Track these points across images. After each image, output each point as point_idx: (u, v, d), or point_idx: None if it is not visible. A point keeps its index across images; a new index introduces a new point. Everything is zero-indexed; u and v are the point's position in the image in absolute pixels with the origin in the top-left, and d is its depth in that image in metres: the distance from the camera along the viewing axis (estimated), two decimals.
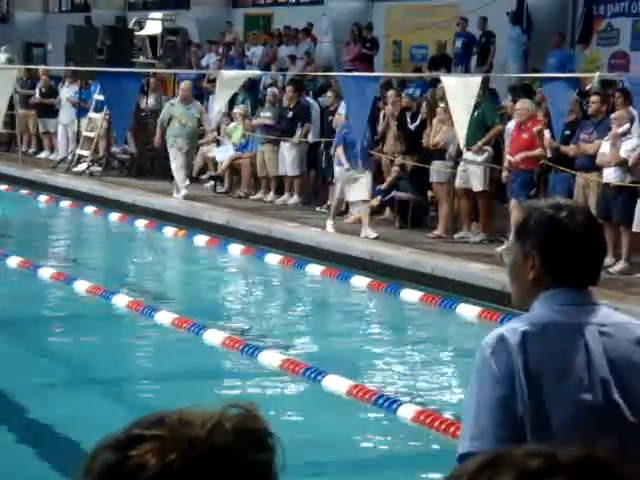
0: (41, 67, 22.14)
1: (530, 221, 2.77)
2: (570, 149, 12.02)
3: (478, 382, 2.66)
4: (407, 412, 7.21)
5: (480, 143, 13.08)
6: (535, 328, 2.67)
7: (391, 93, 14.90)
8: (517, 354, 2.63)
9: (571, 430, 2.61)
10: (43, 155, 21.31)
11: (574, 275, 2.74)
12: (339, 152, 13.60)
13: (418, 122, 14.40)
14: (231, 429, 1.33)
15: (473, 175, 13.14)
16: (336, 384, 7.84)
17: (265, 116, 16.65)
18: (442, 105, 14.07)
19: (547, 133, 12.23)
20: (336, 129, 14.28)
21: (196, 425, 1.32)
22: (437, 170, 13.59)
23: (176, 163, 16.26)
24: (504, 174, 12.80)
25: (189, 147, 16.33)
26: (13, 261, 11.87)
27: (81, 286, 10.79)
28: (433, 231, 13.52)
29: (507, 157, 12.76)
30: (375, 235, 13.07)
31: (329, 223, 13.51)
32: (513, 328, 2.68)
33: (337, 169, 13.75)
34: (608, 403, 2.66)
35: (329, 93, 15.90)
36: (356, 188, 13.42)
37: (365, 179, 13.45)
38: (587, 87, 13.41)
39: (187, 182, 16.26)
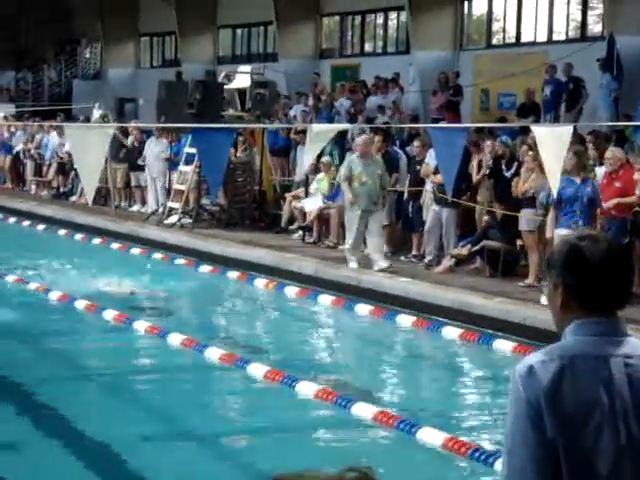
0: (133, 124, 22.55)
1: (555, 251, 2.90)
2: None
3: (511, 410, 2.79)
4: None
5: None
6: (563, 361, 2.77)
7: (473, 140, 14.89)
8: (545, 386, 2.73)
9: (597, 464, 2.72)
10: (135, 208, 21.68)
11: (598, 301, 2.82)
12: (550, 216, 11.99)
13: (514, 170, 14.25)
14: None
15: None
16: (431, 437, 7.76)
17: None
18: (530, 153, 13.96)
19: None
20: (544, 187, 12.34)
21: None
22: (526, 218, 13.46)
23: (353, 231, 14.31)
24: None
25: (371, 209, 14.27)
26: (109, 314, 12.06)
27: (175, 339, 10.90)
28: (524, 280, 13.36)
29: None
30: None
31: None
32: (542, 360, 2.78)
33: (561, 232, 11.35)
34: (630, 444, 2.74)
35: (416, 143, 15.89)
36: None
37: None
38: None
39: (357, 256, 14.34)
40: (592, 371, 2.77)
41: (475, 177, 14.90)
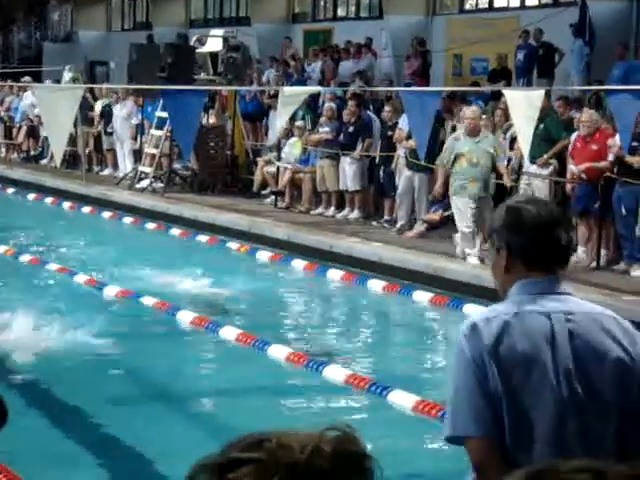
0: (104, 85, 22.38)
1: (495, 216, 3.00)
2: (636, 160, 11.79)
3: (456, 368, 2.86)
4: None
5: (546, 156, 12.96)
6: (506, 317, 2.84)
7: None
8: (488, 342, 2.80)
9: (540, 422, 2.79)
10: (107, 172, 21.54)
11: (538, 259, 2.90)
12: None
13: None
14: (330, 453, 1.32)
15: (537, 189, 12.99)
16: (401, 399, 7.81)
17: (324, 131, 16.69)
18: (484, 116, 14.02)
19: (617, 140, 11.97)
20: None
21: (295, 449, 1.31)
22: None
23: (463, 220, 12.43)
24: (569, 186, 12.68)
25: (483, 194, 12.39)
26: (80, 279, 12.03)
27: (147, 302, 10.89)
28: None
29: (571, 168, 12.61)
30: None
31: None
32: (486, 317, 2.87)
33: None
34: (572, 395, 2.81)
35: (387, 107, 15.87)
36: None
37: None
38: None
39: (476, 247, 12.27)
40: (535, 326, 2.84)
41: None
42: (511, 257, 2.92)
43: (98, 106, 21.67)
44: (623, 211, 11.86)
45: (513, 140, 13.31)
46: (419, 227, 14.44)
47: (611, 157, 12.12)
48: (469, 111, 12.73)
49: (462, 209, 12.48)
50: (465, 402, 2.79)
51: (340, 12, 26.86)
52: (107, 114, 21.28)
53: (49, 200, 18.95)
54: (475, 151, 12.35)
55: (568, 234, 3.00)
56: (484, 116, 14.15)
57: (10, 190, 20.36)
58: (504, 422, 2.78)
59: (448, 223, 14.47)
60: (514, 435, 2.79)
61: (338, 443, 1.34)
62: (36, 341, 9.27)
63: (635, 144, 11.74)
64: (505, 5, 22.14)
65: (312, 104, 18.31)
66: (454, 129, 15.03)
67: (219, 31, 21.48)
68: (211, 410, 8.00)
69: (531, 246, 2.91)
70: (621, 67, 17.11)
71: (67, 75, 24.02)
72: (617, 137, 11.92)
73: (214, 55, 19.65)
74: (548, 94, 12.93)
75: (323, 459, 1.31)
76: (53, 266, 12.71)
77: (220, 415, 7.79)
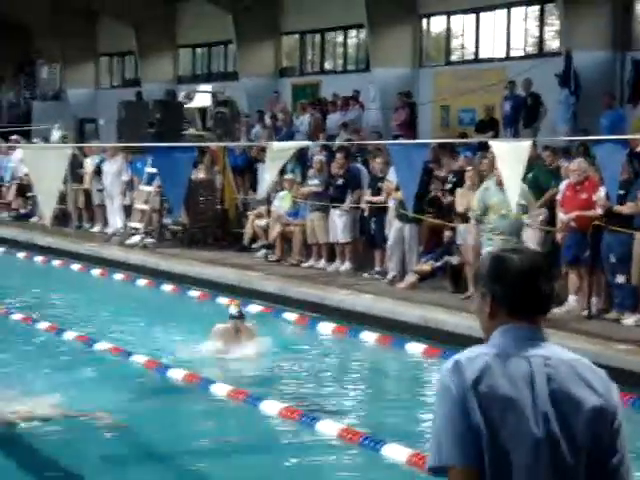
0: (93, 145, 22.42)
1: (481, 264, 3.12)
2: (626, 207, 11.79)
3: (439, 403, 2.94)
4: None
5: (537, 205, 12.99)
6: (487, 358, 2.95)
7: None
8: (470, 380, 2.90)
9: (517, 459, 2.87)
10: (97, 229, 21.53)
11: (520, 307, 3.02)
12: None
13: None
14: None
15: (528, 238, 12.99)
16: (395, 453, 7.75)
17: (313, 184, 16.75)
18: (469, 168, 14.07)
19: (602, 192, 12.03)
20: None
21: None
22: (472, 233, 13.28)
23: None
24: (559, 235, 12.70)
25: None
26: (69, 335, 11.99)
27: (138, 360, 10.83)
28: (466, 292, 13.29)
29: (560, 216, 12.64)
30: None
31: None
32: (468, 357, 2.96)
33: None
34: (548, 437, 2.90)
35: (378, 160, 15.94)
36: None
37: None
38: (638, 148, 13.32)
39: None
40: (515, 367, 2.95)
41: (441, 194, 14.96)
42: (495, 304, 3.04)
43: (88, 163, 21.70)
44: (612, 259, 11.89)
45: None
46: (410, 278, 14.44)
47: (600, 211, 12.12)
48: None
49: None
50: (450, 433, 2.87)
51: (327, 66, 27.08)
52: (100, 171, 21.32)
53: (39, 258, 18.91)
54: (505, 202, 11.53)
55: (550, 283, 3.08)
56: (469, 167, 14.26)
57: (1, 249, 20.31)
58: (484, 458, 2.87)
59: (439, 274, 14.49)
60: (494, 472, 2.87)
61: None
62: (25, 400, 9.20)
63: (622, 192, 11.78)
64: (491, 56, 22.35)
65: (301, 157, 18.39)
66: (445, 180, 15.10)
67: (207, 86, 21.64)
68: (204, 467, 7.92)
69: (513, 295, 3.03)
70: (609, 116, 17.24)
71: (56, 133, 24.11)
72: (602, 190, 11.94)
73: (203, 110, 19.77)
74: (535, 144, 13.01)
75: None
76: (44, 325, 12.65)
77: (213, 472, 7.72)
